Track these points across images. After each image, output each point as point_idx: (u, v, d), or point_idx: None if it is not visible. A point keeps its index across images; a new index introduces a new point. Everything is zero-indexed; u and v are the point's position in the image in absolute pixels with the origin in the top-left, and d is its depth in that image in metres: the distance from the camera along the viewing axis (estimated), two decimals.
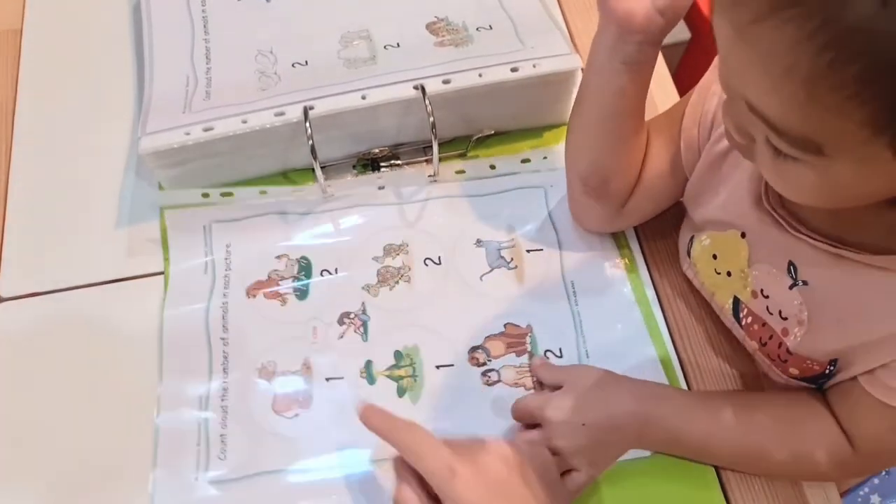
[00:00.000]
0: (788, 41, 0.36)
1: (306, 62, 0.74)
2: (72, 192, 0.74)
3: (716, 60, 0.52)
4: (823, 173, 0.42)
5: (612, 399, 0.59)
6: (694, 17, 1.11)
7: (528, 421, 0.60)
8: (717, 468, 0.60)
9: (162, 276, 0.69)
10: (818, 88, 0.37)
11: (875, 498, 1.25)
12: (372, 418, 0.54)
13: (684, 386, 0.64)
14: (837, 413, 0.56)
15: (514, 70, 0.70)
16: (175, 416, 0.62)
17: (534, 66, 0.70)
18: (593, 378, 0.60)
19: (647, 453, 0.60)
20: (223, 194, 0.71)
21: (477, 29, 0.76)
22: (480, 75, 0.70)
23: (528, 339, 0.65)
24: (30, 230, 0.72)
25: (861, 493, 1.24)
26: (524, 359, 0.64)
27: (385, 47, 0.75)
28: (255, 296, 0.67)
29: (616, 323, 0.66)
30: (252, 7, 0.79)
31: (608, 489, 0.59)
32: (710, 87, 0.59)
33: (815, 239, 0.52)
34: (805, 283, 0.55)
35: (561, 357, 0.65)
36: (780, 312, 0.57)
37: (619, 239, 0.70)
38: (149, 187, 0.73)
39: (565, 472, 0.58)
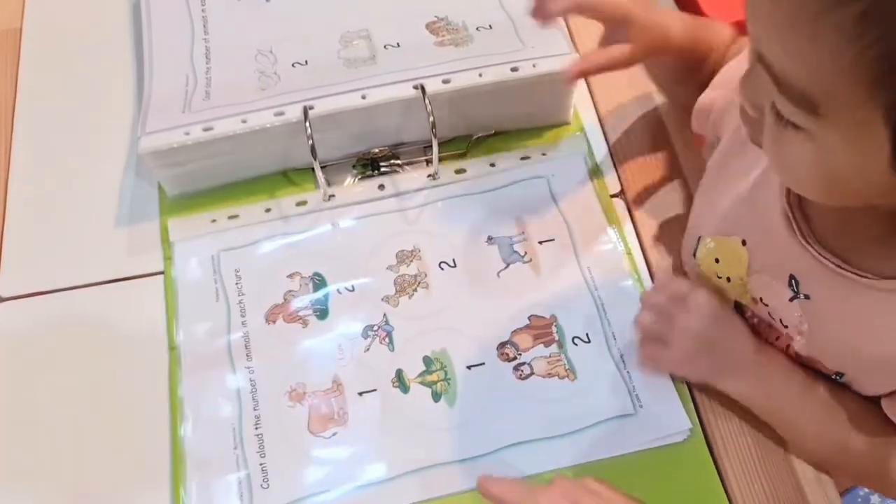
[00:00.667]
0: None
1: (306, 62, 0.74)
2: (71, 192, 0.73)
3: None
4: (819, 146, 0.42)
5: (739, 334, 0.59)
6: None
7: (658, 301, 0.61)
8: (718, 469, 0.60)
9: (162, 276, 0.68)
10: (822, 27, 0.37)
11: (875, 498, 1.25)
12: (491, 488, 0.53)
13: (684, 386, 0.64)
14: None
15: (514, 70, 0.70)
16: (208, 449, 0.61)
17: (534, 65, 0.70)
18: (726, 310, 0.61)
19: (648, 448, 0.60)
20: (229, 217, 0.71)
21: (477, 28, 0.76)
22: (480, 75, 0.70)
23: (553, 329, 0.65)
24: (30, 230, 0.71)
25: (861, 492, 1.24)
26: (553, 348, 0.64)
27: (385, 47, 0.74)
28: (274, 321, 0.66)
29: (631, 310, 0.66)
30: (251, 7, 0.78)
31: None
32: None
33: (822, 254, 0.52)
34: (807, 296, 0.54)
35: (589, 342, 0.65)
36: (780, 320, 0.57)
37: (621, 239, 0.70)
38: (149, 187, 0.73)
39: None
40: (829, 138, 0.41)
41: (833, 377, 0.57)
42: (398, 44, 0.75)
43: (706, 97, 0.64)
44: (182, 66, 0.73)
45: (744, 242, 0.58)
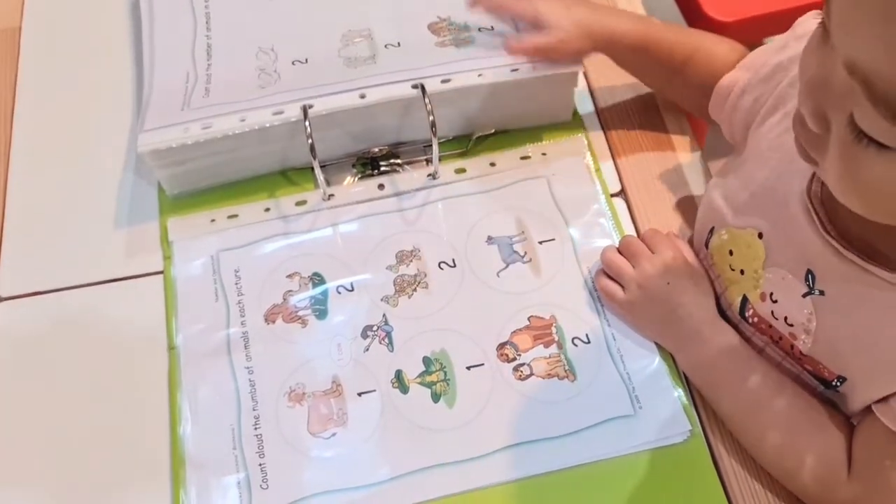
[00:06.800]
0: None
1: (306, 60, 0.74)
2: (71, 191, 0.73)
3: None
4: None
5: (697, 297, 0.62)
6: (694, 17, 1.11)
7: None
8: (718, 470, 0.60)
9: (161, 276, 0.68)
10: None
11: None
12: None
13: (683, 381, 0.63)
14: (854, 437, 0.55)
15: (513, 70, 0.69)
16: (207, 449, 0.61)
17: (533, 67, 0.70)
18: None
19: (648, 449, 0.60)
20: (229, 217, 0.71)
21: (479, 30, 0.75)
22: (480, 75, 0.69)
23: (553, 329, 0.65)
24: (29, 229, 0.71)
25: None
26: (553, 349, 0.64)
27: (386, 46, 0.74)
28: (274, 321, 0.66)
29: None
30: (255, 4, 0.78)
31: (610, 489, 0.59)
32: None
33: (844, 248, 0.51)
34: (822, 292, 0.53)
35: (589, 343, 0.64)
36: (785, 318, 0.57)
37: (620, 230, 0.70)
38: (148, 186, 0.73)
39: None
40: None
41: (834, 382, 0.56)
42: (399, 43, 0.75)
43: (730, 77, 0.63)
44: (183, 62, 0.73)
45: (760, 235, 0.57)
